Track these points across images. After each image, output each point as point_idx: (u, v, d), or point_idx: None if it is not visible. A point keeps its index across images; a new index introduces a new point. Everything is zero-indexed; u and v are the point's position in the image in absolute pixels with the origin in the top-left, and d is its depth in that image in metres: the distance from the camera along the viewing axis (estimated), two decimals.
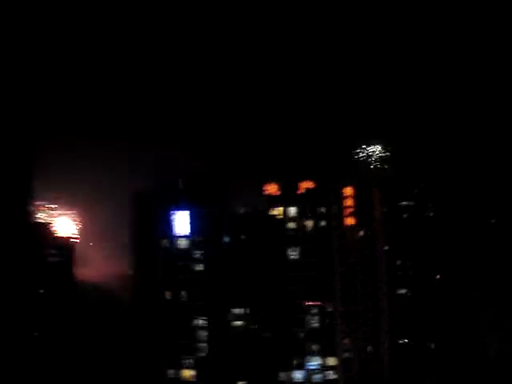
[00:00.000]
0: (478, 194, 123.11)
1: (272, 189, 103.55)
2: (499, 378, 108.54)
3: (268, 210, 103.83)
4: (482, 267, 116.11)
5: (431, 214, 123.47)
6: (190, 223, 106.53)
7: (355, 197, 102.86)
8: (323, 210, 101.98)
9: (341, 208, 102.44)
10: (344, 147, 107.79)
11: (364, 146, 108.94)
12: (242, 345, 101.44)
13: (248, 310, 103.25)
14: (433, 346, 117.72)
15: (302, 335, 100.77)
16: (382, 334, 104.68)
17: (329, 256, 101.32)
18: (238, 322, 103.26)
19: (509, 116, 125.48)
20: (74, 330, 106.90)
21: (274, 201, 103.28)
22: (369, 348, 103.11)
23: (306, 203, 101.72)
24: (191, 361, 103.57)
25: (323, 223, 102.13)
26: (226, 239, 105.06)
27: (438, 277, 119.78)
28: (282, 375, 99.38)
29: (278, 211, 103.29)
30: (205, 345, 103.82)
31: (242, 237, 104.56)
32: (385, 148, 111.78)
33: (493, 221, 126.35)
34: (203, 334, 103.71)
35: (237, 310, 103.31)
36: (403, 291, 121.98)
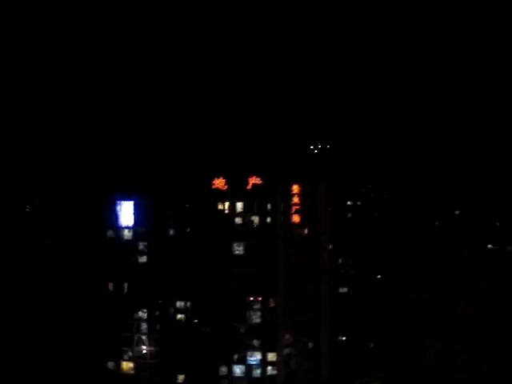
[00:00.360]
0: (422, 197, 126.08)
1: (220, 183, 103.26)
2: (437, 377, 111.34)
3: (215, 204, 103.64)
4: (422, 268, 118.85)
5: (375, 215, 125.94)
6: (135, 214, 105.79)
7: (302, 195, 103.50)
8: (270, 206, 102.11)
9: (287, 205, 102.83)
10: (293, 145, 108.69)
11: (312, 145, 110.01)
12: (182, 338, 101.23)
13: (190, 304, 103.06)
14: (372, 344, 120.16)
15: (243, 330, 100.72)
16: (323, 331, 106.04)
17: (273, 252, 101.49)
18: (180, 315, 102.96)
19: (455, 119, 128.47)
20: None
21: (222, 195, 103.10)
22: (309, 344, 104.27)
23: (253, 199, 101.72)
24: (131, 353, 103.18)
25: (269, 220, 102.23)
26: (171, 232, 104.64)
27: (378, 276, 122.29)
28: (222, 369, 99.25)
29: (224, 206, 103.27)
30: (145, 337, 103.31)
31: (188, 230, 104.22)
32: (333, 147, 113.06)
33: (436, 223, 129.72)
34: (144, 326, 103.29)
35: (179, 304, 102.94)
36: (345, 289, 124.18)
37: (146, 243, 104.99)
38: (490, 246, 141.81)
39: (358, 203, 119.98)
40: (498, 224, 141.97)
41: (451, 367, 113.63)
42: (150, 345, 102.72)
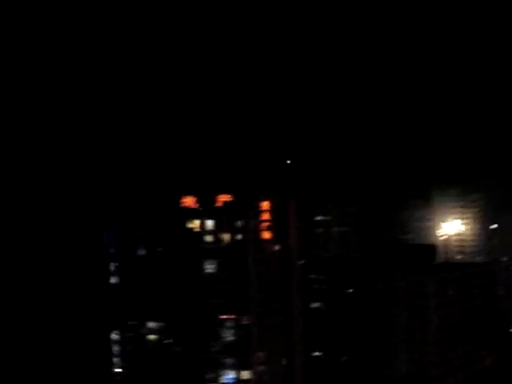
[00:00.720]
0: (390, 210, 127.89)
1: (189, 201, 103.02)
2: None
3: (185, 222, 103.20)
4: (392, 281, 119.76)
5: (345, 229, 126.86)
6: (105, 235, 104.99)
7: (272, 211, 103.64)
8: (240, 223, 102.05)
9: (258, 222, 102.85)
10: (262, 161, 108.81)
11: (281, 161, 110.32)
12: (155, 359, 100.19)
13: (162, 324, 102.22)
14: (345, 358, 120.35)
15: (216, 349, 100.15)
16: (297, 347, 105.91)
17: (245, 270, 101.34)
18: (152, 336, 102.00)
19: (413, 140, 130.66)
20: None
21: (192, 213, 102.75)
22: (283, 361, 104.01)
23: (224, 216, 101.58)
24: None
25: (240, 237, 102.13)
26: (142, 251, 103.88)
27: (350, 291, 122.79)
28: None
29: (195, 224, 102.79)
30: (118, 359, 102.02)
31: (159, 249, 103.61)
32: (301, 163, 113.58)
33: (404, 236, 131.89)
34: (116, 348, 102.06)
35: (151, 324, 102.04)
36: (317, 305, 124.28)
37: (116, 264, 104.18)
38: (459, 257, 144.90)
39: (328, 218, 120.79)
40: None
41: (423, 379, 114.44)
42: (122, 367, 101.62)
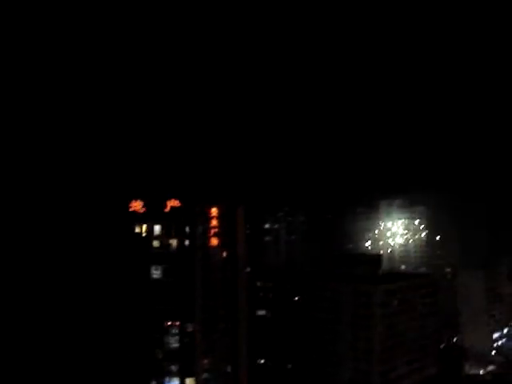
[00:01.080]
0: (340, 222, 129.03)
1: (137, 206, 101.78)
2: None
3: (132, 227, 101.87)
4: (337, 289, 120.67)
5: (293, 237, 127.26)
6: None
7: (220, 217, 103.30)
8: (188, 229, 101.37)
9: (206, 228, 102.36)
10: (211, 168, 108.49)
11: (231, 168, 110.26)
12: (100, 366, 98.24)
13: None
14: (290, 366, 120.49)
15: (160, 355, 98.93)
16: (241, 354, 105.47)
17: (191, 276, 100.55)
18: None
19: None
20: None
21: (139, 218, 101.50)
22: (228, 368, 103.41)
23: (172, 222, 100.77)
24: None
25: (187, 243, 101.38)
26: None
27: (296, 298, 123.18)
28: None
29: (142, 229, 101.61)
30: None
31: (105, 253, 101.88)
32: (252, 170, 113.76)
33: (350, 245, 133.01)
34: None
35: None
36: (263, 312, 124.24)
37: None
38: (403, 267, 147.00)
39: (276, 226, 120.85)
40: None
41: None
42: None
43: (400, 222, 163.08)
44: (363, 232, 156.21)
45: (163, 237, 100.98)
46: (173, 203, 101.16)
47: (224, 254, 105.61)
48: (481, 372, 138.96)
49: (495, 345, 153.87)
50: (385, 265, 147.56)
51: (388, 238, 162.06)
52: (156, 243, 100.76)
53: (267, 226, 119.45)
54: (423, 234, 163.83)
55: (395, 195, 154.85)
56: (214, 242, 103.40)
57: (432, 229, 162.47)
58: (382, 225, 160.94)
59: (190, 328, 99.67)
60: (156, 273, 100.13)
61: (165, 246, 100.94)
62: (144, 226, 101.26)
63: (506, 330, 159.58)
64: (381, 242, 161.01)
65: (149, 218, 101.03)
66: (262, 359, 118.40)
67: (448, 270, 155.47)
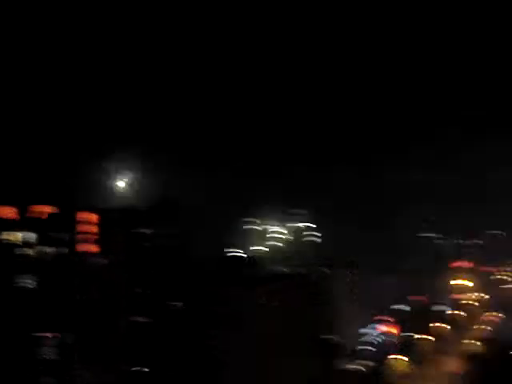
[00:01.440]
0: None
1: (8, 212, 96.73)
2: None
3: (2, 234, 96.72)
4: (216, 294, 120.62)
5: (172, 243, 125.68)
6: None
7: (99, 224, 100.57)
8: (65, 236, 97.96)
9: (84, 235, 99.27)
10: (89, 173, 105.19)
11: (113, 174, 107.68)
12: None
13: None
14: (171, 373, 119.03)
15: (36, 369, 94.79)
16: (122, 362, 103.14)
17: (69, 285, 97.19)
18: None
19: None
20: None
21: (10, 225, 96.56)
22: (109, 377, 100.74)
23: (47, 229, 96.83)
24: None
25: (64, 250, 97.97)
26: None
27: (176, 305, 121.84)
28: None
29: (13, 236, 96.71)
30: None
31: None
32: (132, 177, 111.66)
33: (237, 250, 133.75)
34: None
35: None
36: (143, 319, 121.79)
37: None
38: (285, 269, 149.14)
39: (156, 231, 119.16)
40: None
41: None
42: None
43: (282, 225, 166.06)
44: (248, 236, 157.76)
45: (37, 245, 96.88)
46: (48, 209, 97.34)
47: (102, 261, 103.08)
48: (356, 367, 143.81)
49: (366, 339, 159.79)
50: (267, 266, 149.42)
51: (271, 240, 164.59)
52: (31, 251, 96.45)
53: (147, 231, 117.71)
54: (302, 235, 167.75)
55: (276, 196, 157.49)
56: (92, 248, 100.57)
57: (312, 231, 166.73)
58: (265, 228, 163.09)
59: (67, 339, 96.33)
60: (30, 282, 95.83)
61: (39, 254, 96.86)
62: (16, 234, 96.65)
63: (375, 325, 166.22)
64: (265, 245, 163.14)
65: (21, 224, 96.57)
66: (142, 367, 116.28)
67: (326, 270, 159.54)
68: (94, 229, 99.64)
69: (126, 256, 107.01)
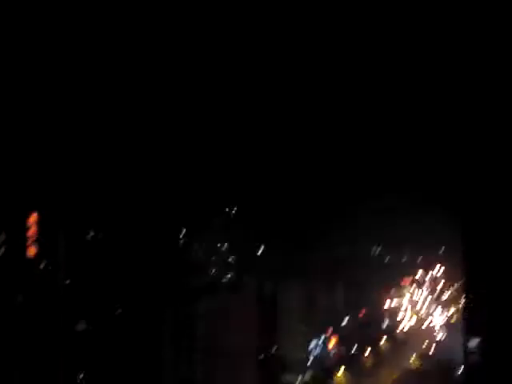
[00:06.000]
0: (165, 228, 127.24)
1: None
2: None
3: None
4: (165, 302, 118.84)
5: (117, 247, 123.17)
6: None
7: (39, 225, 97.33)
8: (2, 237, 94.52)
9: (23, 236, 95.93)
10: (32, 172, 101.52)
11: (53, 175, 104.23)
12: None
13: None
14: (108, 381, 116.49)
15: None
16: (60, 371, 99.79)
17: (6, 289, 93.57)
18: None
19: None
20: None
21: None
22: None
23: None
24: None
25: (1, 252, 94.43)
26: None
27: (119, 311, 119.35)
28: None
29: None
30: None
31: None
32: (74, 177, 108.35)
33: (176, 256, 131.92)
34: None
35: None
36: (83, 326, 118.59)
37: None
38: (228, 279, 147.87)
39: (99, 235, 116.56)
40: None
41: None
42: None
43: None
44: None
45: None
46: None
47: (42, 265, 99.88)
48: (298, 380, 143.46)
49: (311, 354, 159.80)
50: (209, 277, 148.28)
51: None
52: None
53: (91, 234, 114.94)
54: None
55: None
56: (32, 251, 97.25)
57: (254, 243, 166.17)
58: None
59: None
60: None
61: None
62: None
63: (321, 340, 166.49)
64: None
65: None
66: (81, 374, 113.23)
67: (269, 282, 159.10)
68: (35, 230, 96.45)
69: (65, 259, 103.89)
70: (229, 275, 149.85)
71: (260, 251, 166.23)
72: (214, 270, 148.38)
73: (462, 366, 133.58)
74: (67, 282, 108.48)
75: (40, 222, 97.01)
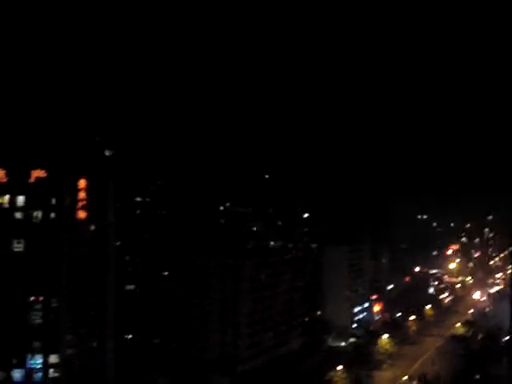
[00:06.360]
0: (208, 195, 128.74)
1: None
2: (221, 370, 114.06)
3: None
4: (205, 264, 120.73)
5: (164, 212, 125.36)
6: None
7: (89, 190, 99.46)
8: (54, 201, 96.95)
9: (73, 200, 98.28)
10: (80, 138, 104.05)
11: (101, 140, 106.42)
12: None
13: None
14: (158, 341, 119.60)
15: (23, 332, 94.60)
16: (108, 329, 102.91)
17: (57, 249, 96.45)
18: None
19: None
20: None
21: (0, 188, 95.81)
22: (94, 343, 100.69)
23: (36, 193, 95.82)
24: None
25: (53, 215, 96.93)
26: None
27: (165, 273, 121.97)
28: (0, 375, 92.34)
29: (2, 199, 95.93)
30: None
31: None
32: (121, 144, 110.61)
33: (222, 221, 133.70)
34: None
35: None
36: (131, 287, 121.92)
37: None
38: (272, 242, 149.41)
39: (147, 199, 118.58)
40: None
41: (234, 360, 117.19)
42: None
43: None
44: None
45: (27, 208, 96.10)
46: (38, 173, 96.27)
47: (92, 228, 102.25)
48: (342, 344, 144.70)
49: (356, 318, 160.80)
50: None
51: None
52: (19, 215, 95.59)
53: (138, 199, 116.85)
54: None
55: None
56: (82, 214, 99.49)
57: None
58: None
59: (54, 303, 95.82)
60: (18, 246, 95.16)
61: (29, 217, 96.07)
62: (6, 197, 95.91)
63: (366, 305, 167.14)
64: None
65: (11, 188, 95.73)
66: (129, 334, 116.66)
67: (314, 245, 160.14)
68: (84, 195, 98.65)
69: (116, 223, 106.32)
70: (277, 241, 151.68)
71: (306, 217, 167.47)
72: (263, 236, 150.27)
73: (509, 334, 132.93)
74: (117, 243, 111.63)
75: (90, 187, 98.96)
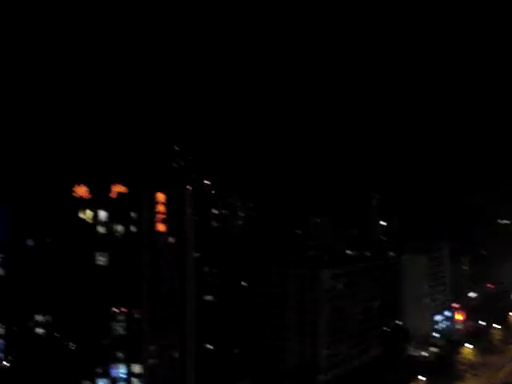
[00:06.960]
0: (285, 205, 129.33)
1: (82, 191, 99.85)
2: (300, 380, 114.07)
3: (76, 212, 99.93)
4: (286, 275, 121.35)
5: (240, 223, 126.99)
6: None
7: (167, 203, 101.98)
8: (134, 215, 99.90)
9: (152, 214, 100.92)
10: (158, 153, 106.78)
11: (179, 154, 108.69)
12: (44, 353, 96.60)
13: (51, 317, 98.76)
14: (237, 351, 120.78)
15: (107, 342, 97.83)
16: (189, 339, 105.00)
17: (138, 262, 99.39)
18: (41, 330, 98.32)
19: None
20: None
21: (84, 203, 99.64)
22: (175, 354, 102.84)
23: (117, 207, 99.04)
24: None
25: (134, 228, 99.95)
26: (30, 242, 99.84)
27: (243, 284, 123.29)
28: None
29: (87, 214, 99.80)
30: (2, 354, 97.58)
31: (48, 240, 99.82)
32: (200, 156, 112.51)
33: (298, 232, 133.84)
34: (1, 341, 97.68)
35: (39, 317, 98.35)
36: (210, 298, 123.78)
37: (2, 255, 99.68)
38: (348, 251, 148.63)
39: (224, 212, 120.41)
40: None
41: (313, 370, 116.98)
42: (7, 361, 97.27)
43: None
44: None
45: (109, 223, 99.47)
46: (118, 188, 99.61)
47: (171, 240, 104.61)
48: (423, 353, 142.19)
49: (436, 327, 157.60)
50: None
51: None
52: (101, 229, 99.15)
53: (215, 211, 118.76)
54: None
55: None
56: (161, 227, 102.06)
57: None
58: None
59: (136, 314, 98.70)
60: (102, 259, 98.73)
61: (111, 232, 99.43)
62: (89, 212, 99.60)
63: (446, 313, 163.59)
64: None
65: (94, 203, 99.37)
66: (209, 344, 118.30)
67: (392, 254, 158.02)
68: (162, 208, 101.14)
69: (194, 235, 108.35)
70: (353, 250, 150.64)
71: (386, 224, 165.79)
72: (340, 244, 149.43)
73: None
74: (195, 255, 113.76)
75: (168, 200, 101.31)
